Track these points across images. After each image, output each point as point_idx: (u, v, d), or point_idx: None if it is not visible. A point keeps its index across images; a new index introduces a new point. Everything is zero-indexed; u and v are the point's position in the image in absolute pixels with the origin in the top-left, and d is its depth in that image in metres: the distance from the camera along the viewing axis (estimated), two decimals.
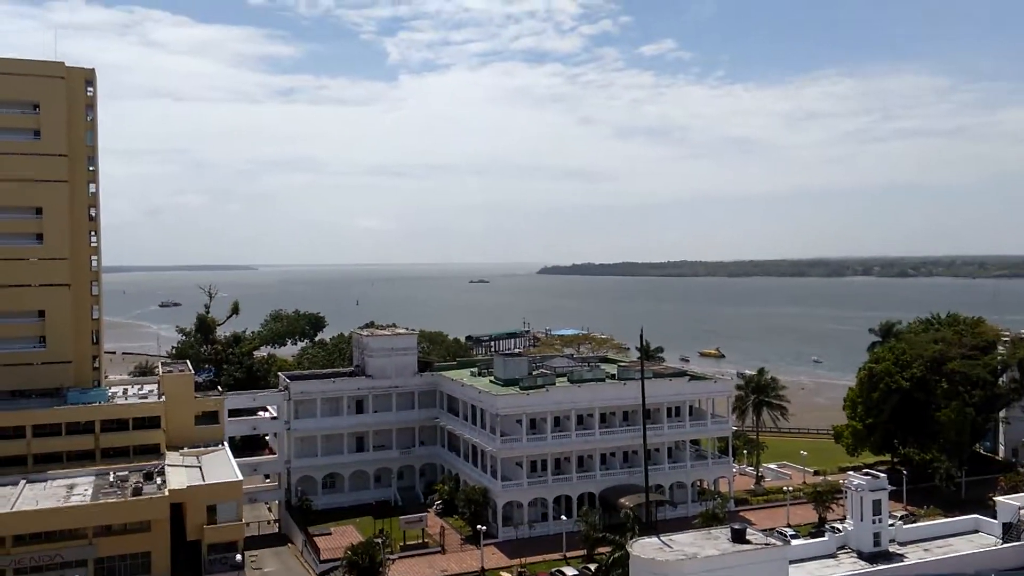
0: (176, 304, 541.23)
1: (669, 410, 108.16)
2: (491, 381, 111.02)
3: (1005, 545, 64.32)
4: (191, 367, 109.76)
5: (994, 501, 71.30)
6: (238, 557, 79.34)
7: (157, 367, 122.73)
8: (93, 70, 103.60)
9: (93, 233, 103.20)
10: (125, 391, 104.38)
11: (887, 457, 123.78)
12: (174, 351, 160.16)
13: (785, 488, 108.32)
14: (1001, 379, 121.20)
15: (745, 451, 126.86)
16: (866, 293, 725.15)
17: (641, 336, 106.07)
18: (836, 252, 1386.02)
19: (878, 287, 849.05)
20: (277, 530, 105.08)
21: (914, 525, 73.80)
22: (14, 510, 73.61)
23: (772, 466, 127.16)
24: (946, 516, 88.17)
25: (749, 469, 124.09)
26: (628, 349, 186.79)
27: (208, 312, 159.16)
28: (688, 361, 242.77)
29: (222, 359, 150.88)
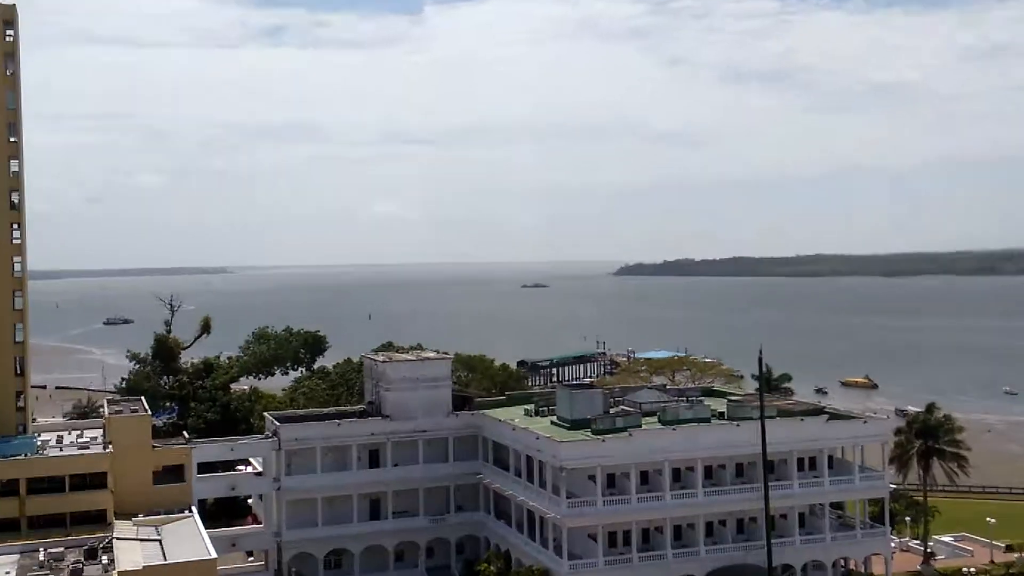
0: (126, 321, 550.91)
1: (801, 461, 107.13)
2: (553, 423, 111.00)
3: None
4: (147, 406, 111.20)
5: None
6: None
7: (102, 406, 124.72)
8: (13, 7, 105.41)
9: (15, 226, 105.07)
10: (59, 439, 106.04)
11: None
12: (124, 384, 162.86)
13: (966, 569, 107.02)
14: None
15: (908, 518, 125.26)
16: None
17: (760, 359, 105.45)
18: None
19: None
20: None
21: None
22: None
23: (947, 538, 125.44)
24: None
25: (914, 543, 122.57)
26: (742, 378, 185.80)
27: (169, 331, 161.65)
28: (826, 393, 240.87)
29: (189, 395, 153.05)
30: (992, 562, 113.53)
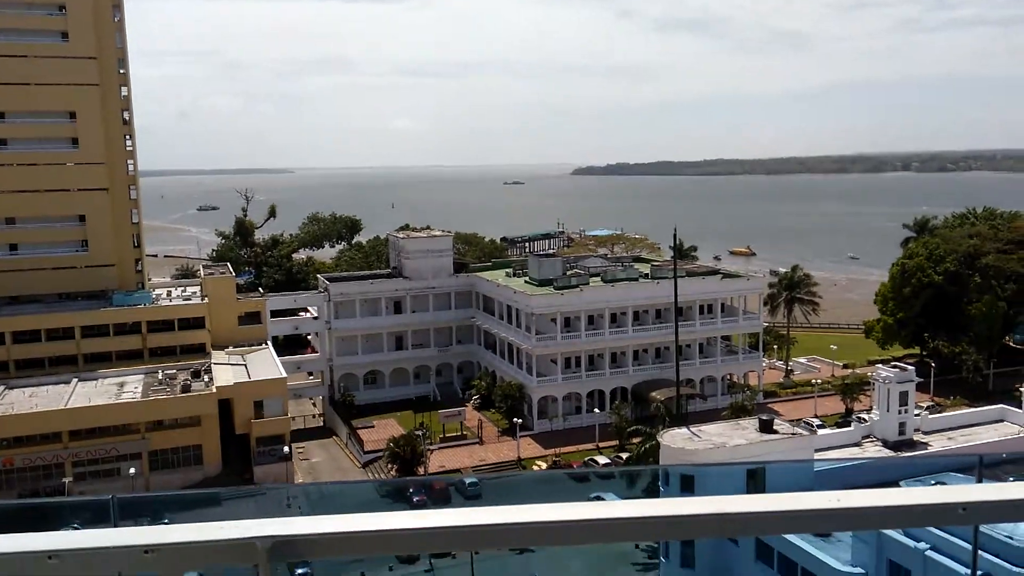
0: (214, 208, 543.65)
1: (701, 307, 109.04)
2: (526, 282, 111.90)
3: None
4: (231, 269, 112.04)
5: (1020, 391, 72.17)
6: (285, 449, 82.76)
7: (198, 269, 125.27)
8: None
9: (128, 137, 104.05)
10: (169, 293, 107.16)
11: (916, 351, 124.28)
12: (214, 254, 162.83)
13: (814, 381, 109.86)
14: None
15: (775, 346, 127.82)
16: (906, 188, 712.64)
17: (675, 236, 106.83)
18: (878, 148, 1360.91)
19: (917, 182, 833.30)
20: (322, 424, 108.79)
21: (939, 415, 75.11)
22: (69, 406, 76.98)
23: (802, 360, 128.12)
24: (972, 407, 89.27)
25: (779, 363, 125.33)
26: (661, 248, 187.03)
27: (246, 215, 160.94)
28: (720, 259, 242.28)
29: (261, 262, 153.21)
30: (833, 375, 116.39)
